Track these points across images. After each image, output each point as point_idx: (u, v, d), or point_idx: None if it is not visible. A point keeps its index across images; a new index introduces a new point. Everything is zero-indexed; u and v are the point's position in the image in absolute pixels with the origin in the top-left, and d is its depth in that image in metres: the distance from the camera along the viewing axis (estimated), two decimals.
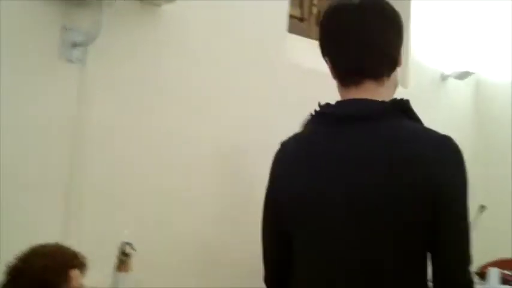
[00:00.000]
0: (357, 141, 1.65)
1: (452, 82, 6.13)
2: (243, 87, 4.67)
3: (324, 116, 1.77)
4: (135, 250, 3.88)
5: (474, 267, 2.86)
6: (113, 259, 3.87)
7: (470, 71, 6.07)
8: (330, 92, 4.75)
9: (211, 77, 4.49)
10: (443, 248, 1.62)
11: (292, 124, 4.48)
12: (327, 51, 1.83)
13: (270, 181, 1.83)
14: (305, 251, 1.69)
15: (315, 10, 5.62)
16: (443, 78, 6.11)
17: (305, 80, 5.04)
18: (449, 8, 6.17)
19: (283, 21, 5.00)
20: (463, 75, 6.06)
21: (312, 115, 1.83)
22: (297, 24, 5.45)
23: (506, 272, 3.54)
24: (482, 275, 3.54)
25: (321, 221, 1.64)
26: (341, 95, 1.82)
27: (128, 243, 3.88)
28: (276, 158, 1.86)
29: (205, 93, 4.46)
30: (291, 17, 5.23)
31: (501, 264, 3.64)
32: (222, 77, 4.55)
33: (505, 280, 3.48)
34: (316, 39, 5.70)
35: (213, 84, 4.49)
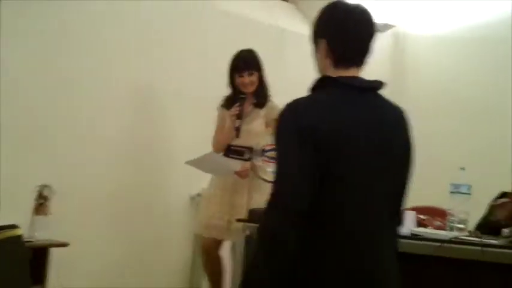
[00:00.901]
0: (376, 105, 2.22)
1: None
2: (175, 36, 4.68)
3: (348, 86, 2.17)
4: (54, 193, 3.88)
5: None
6: (30, 202, 3.86)
7: (390, 23, 6.19)
8: (250, 37, 4.77)
9: (141, 28, 4.48)
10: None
11: (210, 68, 4.51)
12: (328, 36, 2.22)
13: (293, 126, 2.04)
14: (347, 182, 2.05)
15: None
16: None
17: (225, 25, 5.07)
18: None
19: None
20: (383, 27, 6.17)
21: (330, 82, 2.19)
22: None
23: (421, 216, 3.71)
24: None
25: (362, 163, 2.08)
26: (335, 71, 2.22)
27: (45, 186, 3.87)
28: (305, 106, 2.10)
29: (123, 35, 4.44)
30: None
31: (419, 210, 3.81)
32: (152, 27, 4.54)
33: (419, 224, 3.65)
34: None
35: (143, 35, 4.49)
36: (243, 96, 4.39)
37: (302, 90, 5.59)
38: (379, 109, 2.21)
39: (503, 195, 4.29)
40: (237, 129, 4.35)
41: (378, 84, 2.25)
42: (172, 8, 4.68)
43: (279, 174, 2.00)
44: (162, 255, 4.57)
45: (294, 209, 1.93)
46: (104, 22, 4.32)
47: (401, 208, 2.29)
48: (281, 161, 2.02)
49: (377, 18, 6.26)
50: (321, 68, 2.28)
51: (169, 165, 4.66)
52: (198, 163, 4.17)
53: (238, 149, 4.36)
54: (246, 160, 4.35)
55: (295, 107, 2.11)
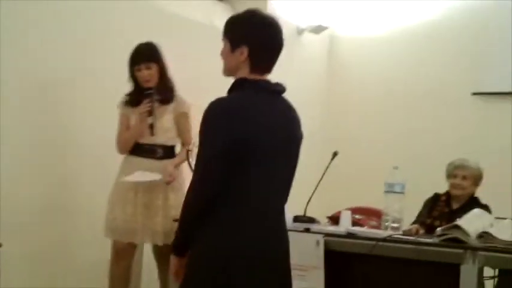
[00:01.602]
0: (281, 107, 2.58)
1: (307, 36, 6.32)
2: (99, 27, 4.64)
3: (263, 87, 2.55)
4: None
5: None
6: None
7: (324, 25, 6.28)
8: (184, 34, 4.71)
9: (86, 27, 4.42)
10: None
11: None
12: (250, 45, 2.51)
13: (225, 121, 2.41)
14: (258, 172, 2.46)
15: None
16: (299, 32, 6.28)
17: (165, 24, 5.06)
18: None
19: None
20: (317, 29, 6.26)
21: (247, 84, 2.52)
22: None
23: (356, 216, 3.78)
24: (336, 219, 3.76)
25: (269, 155, 2.48)
26: (250, 75, 2.53)
27: None
28: (225, 108, 2.45)
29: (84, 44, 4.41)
30: None
31: (355, 210, 3.88)
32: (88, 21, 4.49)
33: (355, 223, 3.71)
34: None
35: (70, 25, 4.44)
36: (150, 91, 4.05)
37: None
38: (286, 109, 2.61)
39: (436, 196, 4.43)
40: (151, 127, 4.05)
41: (283, 88, 2.62)
42: (109, 5, 4.62)
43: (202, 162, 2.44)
44: (95, 254, 4.47)
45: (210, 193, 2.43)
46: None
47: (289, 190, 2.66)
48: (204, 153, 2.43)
49: (311, 20, 6.40)
50: (232, 68, 2.59)
51: (93, 159, 4.52)
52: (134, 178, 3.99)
53: (150, 147, 4.11)
54: (158, 158, 4.09)
55: (225, 107, 2.45)
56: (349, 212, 3.72)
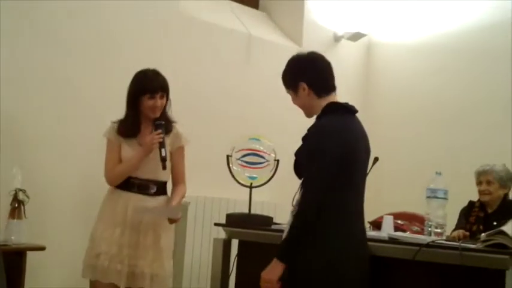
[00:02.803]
0: (359, 125, 3.03)
1: (344, 43, 6.30)
2: (138, 38, 4.66)
3: (346, 110, 3.00)
4: (29, 197, 3.83)
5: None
6: (5, 206, 3.80)
7: (362, 32, 6.25)
8: (220, 41, 4.74)
9: (104, 28, 4.45)
10: None
11: (181, 74, 4.40)
12: (304, 78, 2.96)
13: (336, 143, 2.84)
14: (353, 180, 2.93)
15: None
16: (336, 38, 6.27)
17: (200, 31, 5.09)
18: None
19: None
20: (355, 37, 6.24)
21: (331, 109, 2.95)
22: None
23: (398, 221, 3.76)
24: (378, 224, 3.75)
25: (360, 167, 2.98)
26: (316, 101, 2.98)
27: (20, 190, 3.81)
28: (337, 130, 2.88)
29: (96, 44, 4.43)
30: None
31: (397, 215, 3.86)
32: (115, 27, 4.52)
33: (397, 228, 3.69)
34: None
35: (104, 35, 4.46)
36: (161, 122, 3.73)
37: (270, 95, 5.62)
38: (361, 127, 3.03)
39: (471, 204, 4.43)
40: (164, 160, 3.68)
41: (356, 109, 3.04)
42: (138, 12, 4.66)
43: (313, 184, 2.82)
44: None
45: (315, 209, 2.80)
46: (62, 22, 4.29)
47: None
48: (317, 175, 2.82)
49: (349, 27, 6.39)
50: (307, 106, 3.00)
51: None
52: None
53: (142, 182, 3.72)
54: (152, 195, 3.73)
55: (336, 130, 2.87)
56: (391, 217, 3.69)
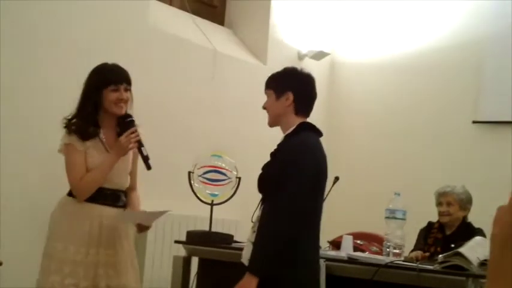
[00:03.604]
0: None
1: (308, 61, 6.34)
2: (105, 51, 4.63)
3: (314, 130, 3.07)
4: None
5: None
6: None
7: (325, 51, 6.31)
8: (185, 56, 4.71)
9: (71, 42, 4.41)
10: None
11: (155, 87, 4.38)
12: (294, 91, 3.01)
13: (313, 161, 2.93)
14: (318, 204, 2.98)
15: None
16: (300, 57, 6.31)
17: (167, 46, 5.08)
18: None
19: None
20: (318, 55, 6.28)
21: (304, 128, 3.02)
22: None
23: (358, 241, 3.78)
24: (337, 243, 3.76)
25: (324, 189, 3.08)
26: (292, 117, 3.03)
27: None
28: (312, 148, 2.97)
29: (68, 57, 4.39)
30: None
31: (356, 235, 3.89)
32: (83, 41, 4.48)
33: (356, 248, 3.71)
34: (178, 7, 5.58)
35: (73, 49, 4.43)
36: (131, 118, 3.35)
37: (233, 111, 5.61)
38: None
39: (430, 224, 4.47)
40: (147, 160, 3.34)
41: (321, 132, 3.13)
42: (102, 24, 4.63)
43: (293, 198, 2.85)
44: None
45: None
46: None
47: None
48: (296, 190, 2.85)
49: (312, 45, 6.43)
50: (278, 115, 3.03)
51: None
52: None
53: (113, 192, 3.35)
54: (120, 207, 3.37)
55: (313, 150, 2.95)
56: (350, 237, 3.71)
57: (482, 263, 3.29)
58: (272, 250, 2.78)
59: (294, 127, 2.99)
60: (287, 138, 2.99)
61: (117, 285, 3.27)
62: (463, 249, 3.34)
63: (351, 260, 3.47)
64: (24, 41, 4.23)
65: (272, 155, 3.03)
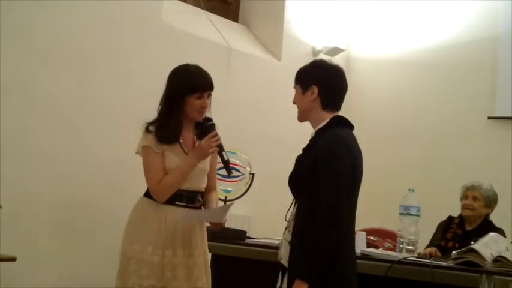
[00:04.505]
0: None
1: (323, 57, 6.32)
2: (119, 48, 4.65)
3: (348, 124, 2.96)
4: (1, 207, 3.79)
5: None
6: None
7: (340, 47, 6.29)
8: (199, 53, 4.73)
9: (86, 38, 4.44)
10: None
11: (153, 84, 4.36)
12: (319, 84, 2.88)
13: (350, 157, 2.81)
14: (354, 202, 2.88)
15: None
16: (315, 53, 6.30)
17: (179, 43, 5.08)
18: None
19: None
20: (333, 51, 6.26)
21: (337, 122, 2.91)
22: None
23: (371, 237, 3.78)
24: None
25: (358, 187, 2.91)
26: (320, 112, 2.91)
27: None
28: (348, 144, 2.84)
29: (84, 54, 4.41)
30: None
31: (369, 232, 3.88)
32: (97, 37, 4.51)
33: (370, 245, 3.70)
34: (192, 4, 5.58)
35: (89, 45, 4.45)
36: (212, 122, 3.33)
37: (248, 109, 5.61)
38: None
39: (450, 219, 4.43)
40: (228, 164, 3.35)
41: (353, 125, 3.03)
42: (118, 21, 4.64)
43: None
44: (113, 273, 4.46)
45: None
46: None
47: None
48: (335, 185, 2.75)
49: (327, 41, 6.41)
50: (306, 110, 2.93)
51: (119, 181, 4.54)
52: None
53: (190, 194, 3.34)
54: (197, 208, 3.37)
55: (346, 145, 2.82)
56: (364, 233, 3.71)
57: (496, 260, 3.28)
58: (317, 253, 2.69)
59: (325, 121, 2.89)
60: (319, 133, 2.89)
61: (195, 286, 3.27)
62: (476, 246, 3.33)
63: (364, 256, 3.47)
64: (31, 41, 4.24)
65: (305, 150, 2.93)
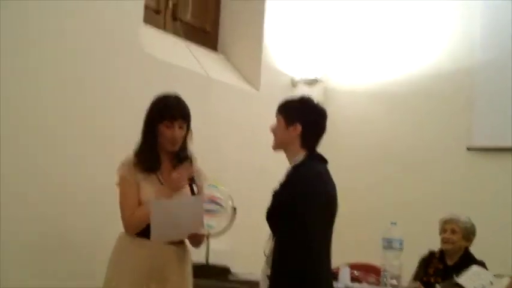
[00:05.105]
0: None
1: (302, 88, 6.31)
2: (97, 76, 4.59)
3: (323, 159, 3.06)
4: None
5: None
6: None
7: (319, 78, 6.29)
8: (178, 82, 4.66)
9: (64, 66, 4.37)
10: None
11: (132, 111, 4.27)
12: (304, 123, 3.00)
13: (325, 192, 2.94)
14: (330, 235, 2.95)
15: (170, 3, 5.59)
16: (294, 83, 6.29)
17: (159, 72, 5.03)
18: (302, 12, 6.35)
19: (139, 12, 4.89)
20: (311, 82, 6.27)
21: (312, 158, 3.01)
22: (152, 16, 5.40)
23: (354, 271, 3.74)
24: (334, 274, 3.70)
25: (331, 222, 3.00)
26: (298, 148, 3.01)
27: None
28: (318, 178, 2.96)
29: (59, 83, 4.34)
30: (147, 8, 5.16)
31: (352, 266, 3.85)
32: (76, 65, 4.44)
33: (353, 279, 3.66)
34: (171, 32, 5.53)
35: (67, 73, 4.38)
36: (186, 153, 3.32)
37: (227, 138, 5.54)
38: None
39: (431, 254, 4.42)
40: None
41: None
42: (97, 49, 4.58)
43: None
44: None
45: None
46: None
47: None
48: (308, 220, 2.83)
49: (306, 72, 6.41)
50: (284, 143, 3.03)
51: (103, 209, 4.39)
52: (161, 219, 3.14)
53: None
54: (174, 244, 3.29)
55: (318, 179, 2.95)
56: (348, 268, 3.66)
57: None
58: (289, 279, 2.77)
59: (302, 157, 2.99)
60: (295, 168, 2.98)
61: None
62: (461, 280, 3.31)
63: None
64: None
65: (282, 185, 2.98)
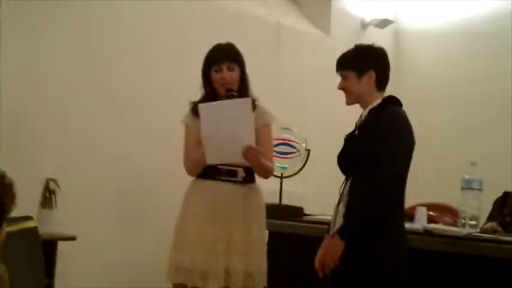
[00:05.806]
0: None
1: (372, 30, 6.22)
2: (169, 27, 4.64)
3: (399, 102, 3.08)
4: (60, 187, 3.82)
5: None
6: (37, 196, 3.81)
7: (390, 18, 6.17)
8: (247, 30, 4.60)
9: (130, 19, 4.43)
10: None
11: None
12: (376, 69, 3.04)
13: (406, 136, 2.97)
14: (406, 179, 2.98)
15: None
16: (364, 25, 6.20)
17: (228, 21, 5.04)
18: None
19: None
20: (382, 23, 6.15)
21: (390, 102, 3.04)
22: None
23: (431, 212, 3.71)
24: (409, 215, 3.69)
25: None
26: (375, 93, 3.05)
27: (52, 180, 3.81)
28: (405, 123, 3.00)
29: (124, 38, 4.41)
30: None
31: (428, 206, 3.81)
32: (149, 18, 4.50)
33: (429, 220, 3.64)
34: None
35: (129, 25, 4.44)
36: (234, 93, 3.32)
37: (297, 84, 5.54)
38: None
39: (505, 194, 4.34)
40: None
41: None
42: (164, 3, 4.62)
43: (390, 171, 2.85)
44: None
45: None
46: (92, 23, 4.27)
47: None
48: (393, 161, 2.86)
49: (376, 13, 6.27)
50: (362, 93, 3.03)
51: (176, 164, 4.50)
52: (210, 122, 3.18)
53: (228, 168, 3.35)
54: (240, 183, 3.38)
55: (406, 122, 2.98)
56: (424, 208, 3.64)
57: None
58: (364, 223, 2.83)
59: (378, 101, 3.03)
60: (373, 112, 3.00)
61: (229, 264, 3.31)
62: None
63: (427, 232, 3.40)
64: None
65: (359, 129, 3.01)
